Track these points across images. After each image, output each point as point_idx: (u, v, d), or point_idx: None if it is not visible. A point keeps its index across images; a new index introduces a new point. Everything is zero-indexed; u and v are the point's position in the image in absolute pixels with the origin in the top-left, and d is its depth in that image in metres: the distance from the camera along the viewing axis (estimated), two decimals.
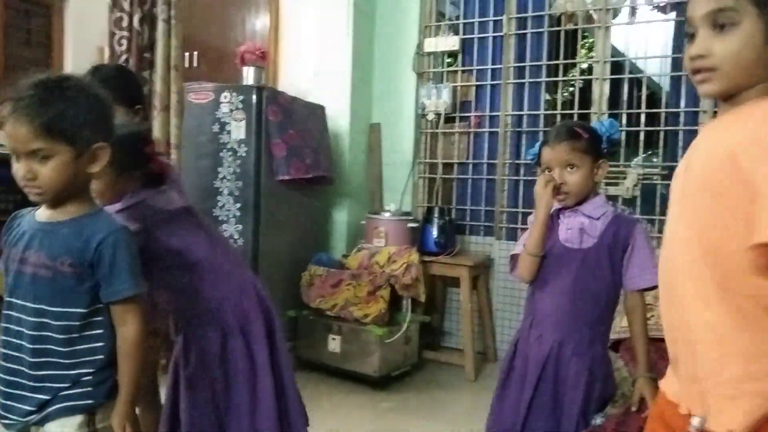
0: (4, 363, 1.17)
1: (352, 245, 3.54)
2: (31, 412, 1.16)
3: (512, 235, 3.58)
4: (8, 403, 1.17)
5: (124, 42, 2.65)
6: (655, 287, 1.46)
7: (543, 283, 1.58)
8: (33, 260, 1.14)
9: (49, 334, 1.15)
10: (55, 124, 1.08)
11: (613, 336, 2.24)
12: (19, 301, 1.16)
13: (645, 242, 1.52)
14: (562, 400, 1.50)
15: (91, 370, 1.18)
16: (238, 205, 3.00)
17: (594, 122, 1.59)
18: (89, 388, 1.18)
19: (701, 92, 0.90)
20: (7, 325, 1.17)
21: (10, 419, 1.17)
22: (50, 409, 1.16)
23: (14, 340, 1.16)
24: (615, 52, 3.52)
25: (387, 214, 3.37)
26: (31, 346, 1.15)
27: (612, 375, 1.59)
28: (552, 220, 1.59)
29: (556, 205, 1.58)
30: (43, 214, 1.19)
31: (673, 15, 3.22)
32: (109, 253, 1.15)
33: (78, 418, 1.17)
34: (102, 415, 1.19)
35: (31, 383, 1.15)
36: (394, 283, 3.02)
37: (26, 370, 1.15)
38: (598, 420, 1.73)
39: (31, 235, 1.17)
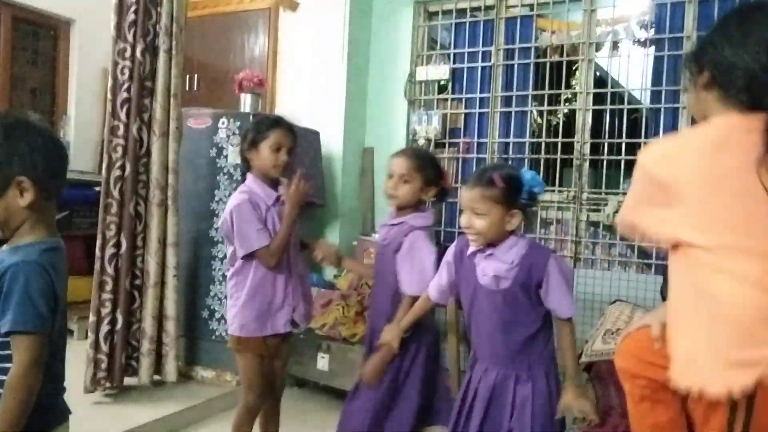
0: None
1: None
2: None
3: None
4: None
5: (126, 71, 2.76)
6: (570, 319, 1.61)
7: (476, 324, 1.68)
8: None
9: None
10: None
11: (584, 359, 2.36)
12: None
13: (558, 275, 1.58)
14: (512, 426, 1.58)
15: None
16: None
17: (524, 171, 1.63)
18: None
19: None
20: None
21: None
22: None
23: None
24: (604, 79, 3.65)
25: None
26: None
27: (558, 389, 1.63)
28: (467, 261, 1.67)
29: (472, 248, 1.66)
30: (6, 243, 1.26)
31: (652, 50, 3.36)
32: (7, 285, 1.14)
33: None
34: None
35: None
36: None
37: None
38: None
39: None
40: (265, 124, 2.11)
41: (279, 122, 2.13)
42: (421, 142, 3.80)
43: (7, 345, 1.16)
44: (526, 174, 1.60)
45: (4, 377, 1.14)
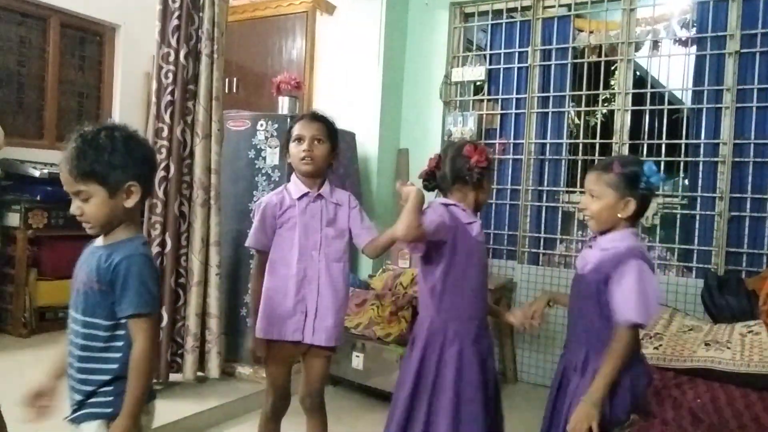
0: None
1: (378, 266, 3.69)
2: (72, 410, 1.34)
3: (534, 260, 3.68)
4: (69, 397, 1.38)
5: (170, 75, 2.84)
6: (638, 325, 1.51)
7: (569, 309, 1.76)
8: (81, 277, 1.35)
9: (81, 341, 1.33)
10: (88, 171, 1.29)
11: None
12: (71, 311, 1.38)
13: (633, 276, 1.50)
14: (567, 410, 1.58)
15: (108, 378, 1.31)
16: None
17: (646, 162, 1.61)
18: (109, 398, 1.31)
19: None
20: (68, 331, 1.39)
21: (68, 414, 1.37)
22: (80, 413, 1.32)
23: (69, 346, 1.37)
24: (643, 79, 3.59)
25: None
26: (74, 351, 1.34)
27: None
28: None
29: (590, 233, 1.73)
30: (98, 239, 1.40)
31: (693, 49, 3.30)
32: (122, 275, 1.30)
33: (94, 424, 1.31)
34: None
35: (72, 383, 1.35)
36: (416, 304, 3.15)
37: (70, 370, 1.35)
38: None
39: (84, 258, 1.39)
40: (292, 123, 2.08)
41: (302, 116, 2.06)
42: None
43: (115, 327, 1.32)
44: (646, 165, 1.60)
45: (115, 354, 1.32)
